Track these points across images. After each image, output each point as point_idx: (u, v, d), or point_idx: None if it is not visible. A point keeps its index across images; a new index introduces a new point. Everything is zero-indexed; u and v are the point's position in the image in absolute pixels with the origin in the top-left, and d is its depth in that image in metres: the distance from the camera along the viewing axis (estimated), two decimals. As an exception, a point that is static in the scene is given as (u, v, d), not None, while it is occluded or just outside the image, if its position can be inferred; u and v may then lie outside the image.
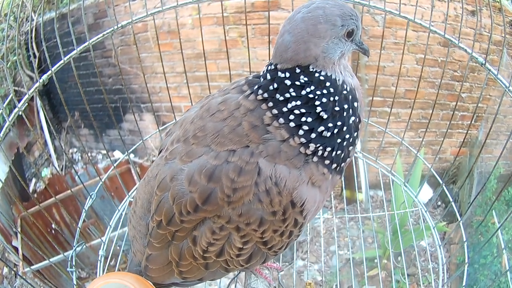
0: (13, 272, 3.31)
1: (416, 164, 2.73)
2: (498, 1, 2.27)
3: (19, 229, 3.12)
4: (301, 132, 0.85)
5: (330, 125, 0.85)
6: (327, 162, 0.88)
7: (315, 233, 3.47)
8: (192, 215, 0.89)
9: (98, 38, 1.36)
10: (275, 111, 0.85)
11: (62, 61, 1.30)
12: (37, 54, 3.96)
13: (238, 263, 0.98)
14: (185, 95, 3.80)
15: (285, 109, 0.84)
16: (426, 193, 3.25)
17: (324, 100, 0.84)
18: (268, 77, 0.86)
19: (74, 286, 1.33)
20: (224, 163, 0.85)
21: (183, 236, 0.94)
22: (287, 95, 0.84)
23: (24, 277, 2.80)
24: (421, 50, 3.36)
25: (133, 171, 3.31)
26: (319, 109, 0.84)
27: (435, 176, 1.54)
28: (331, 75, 0.85)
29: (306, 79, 0.84)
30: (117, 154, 4.49)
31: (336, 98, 0.86)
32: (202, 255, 0.95)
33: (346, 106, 0.87)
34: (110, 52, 4.08)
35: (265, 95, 0.86)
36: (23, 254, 2.96)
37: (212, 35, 3.51)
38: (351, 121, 0.89)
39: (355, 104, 0.89)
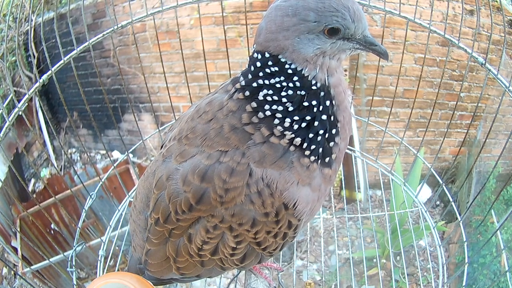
0: (12, 272, 3.31)
1: (416, 163, 2.73)
2: (497, 1, 2.27)
3: (18, 229, 3.12)
4: (276, 121, 0.83)
5: (296, 118, 0.83)
6: (307, 153, 0.86)
7: (314, 232, 3.47)
8: (187, 214, 0.90)
9: (98, 38, 1.36)
10: (254, 104, 0.83)
11: (62, 61, 1.30)
12: (36, 55, 3.96)
13: (233, 262, 0.99)
14: (183, 95, 3.80)
15: (260, 98, 0.83)
16: (425, 192, 3.26)
17: (290, 92, 0.82)
18: (250, 61, 0.85)
19: (74, 286, 1.33)
20: (216, 163, 0.85)
21: (180, 233, 0.96)
22: (260, 81, 0.82)
23: (23, 277, 2.79)
24: (419, 49, 3.36)
25: (132, 171, 3.31)
26: (284, 100, 0.82)
27: (434, 176, 1.54)
28: (301, 69, 0.81)
29: (276, 68, 0.81)
30: (116, 154, 4.49)
31: (303, 93, 0.82)
32: (197, 252, 0.96)
33: (314, 102, 0.83)
34: (109, 52, 4.08)
35: (243, 83, 0.84)
36: (22, 254, 2.95)
37: (210, 35, 3.50)
38: (324, 118, 0.85)
39: (327, 102, 0.84)
